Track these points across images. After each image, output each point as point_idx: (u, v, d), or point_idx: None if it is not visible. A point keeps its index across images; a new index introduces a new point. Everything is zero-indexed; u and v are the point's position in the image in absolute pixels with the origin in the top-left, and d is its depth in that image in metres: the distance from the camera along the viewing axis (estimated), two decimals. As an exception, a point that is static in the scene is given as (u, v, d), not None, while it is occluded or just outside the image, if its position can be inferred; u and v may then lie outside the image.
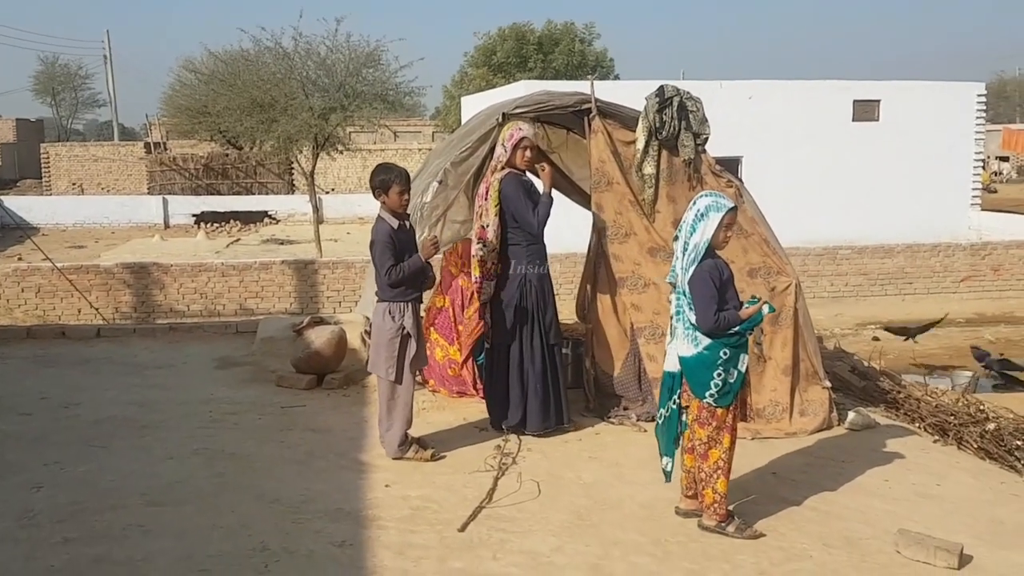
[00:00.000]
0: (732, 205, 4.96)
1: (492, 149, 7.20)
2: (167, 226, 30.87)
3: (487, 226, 6.45)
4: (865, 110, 22.68)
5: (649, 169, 7.09)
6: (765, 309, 5.03)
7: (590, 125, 7.17)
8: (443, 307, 7.62)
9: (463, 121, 28.56)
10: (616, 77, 38.77)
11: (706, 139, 7.19)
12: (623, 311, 7.28)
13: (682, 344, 5.08)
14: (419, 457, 6.13)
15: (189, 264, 16.49)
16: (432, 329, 7.65)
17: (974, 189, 23.30)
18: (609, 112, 7.19)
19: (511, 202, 6.38)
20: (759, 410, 7.14)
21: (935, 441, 7.35)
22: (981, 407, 8.16)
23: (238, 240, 26.88)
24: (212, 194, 33.07)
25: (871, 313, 17.11)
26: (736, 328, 4.95)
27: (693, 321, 4.95)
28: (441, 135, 40.37)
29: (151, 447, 6.37)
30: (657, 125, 7.01)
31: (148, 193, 34.16)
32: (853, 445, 6.86)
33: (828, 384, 7.38)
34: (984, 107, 23.57)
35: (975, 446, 7.37)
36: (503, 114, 7.02)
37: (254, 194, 33.46)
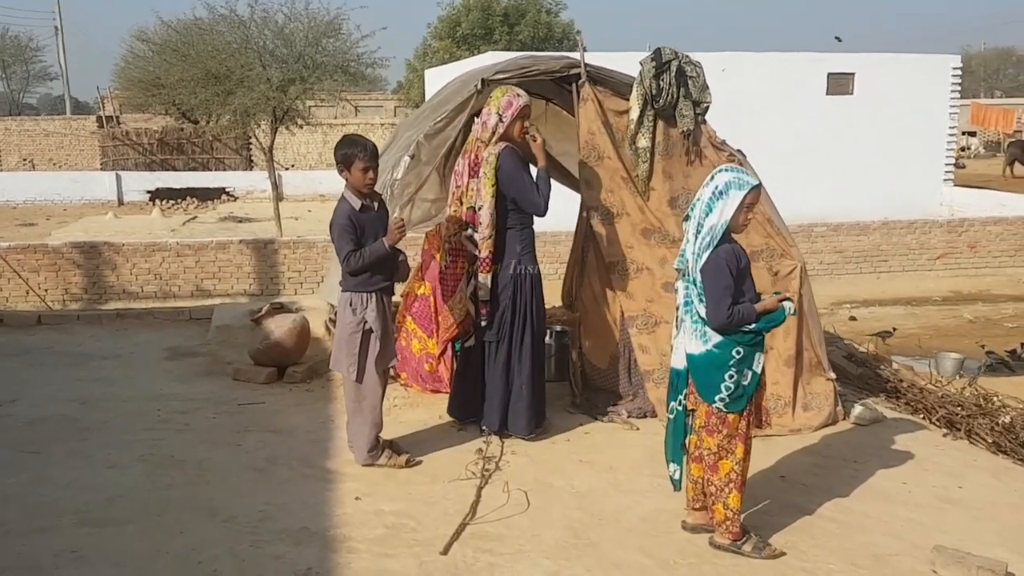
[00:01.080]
0: (756, 183, 4.33)
1: (472, 119, 6.55)
2: (121, 203, 29.78)
3: (480, 208, 5.76)
4: (839, 83, 22.21)
5: (643, 142, 6.46)
6: (787, 307, 4.42)
7: (578, 93, 6.52)
8: (423, 294, 6.96)
9: (427, 95, 27.89)
10: (584, 50, 37.97)
11: (707, 108, 6.57)
12: (613, 298, 6.67)
13: (690, 340, 4.47)
14: (392, 463, 5.51)
15: (142, 243, 15.65)
16: (409, 318, 7.00)
17: (947, 165, 22.96)
18: (600, 78, 6.54)
19: (512, 181, 5.69)
20: (759, 405, 6.58)
21: (945, 435, 6.83)
22: (990, 397, 7.65)
23: (195, 218, 25.94)
24: (167, 170, 31.98)
25: (846, 292, 16.65)
26: (752, 326, 4.34)
27: (703, 314, 4.34)
28: (404, 109, 39.48)
29: (92, 453, 5.68)
30: (653, 92, 6.38)
31: (101, 169, 32.99)
32: (862, 442, 6.31)
33: (832, 375, 6.84)
34: (959, 81, 23.19)
35: (988, 440, 6.86)
36: (482, 80, 6.35)
37: (211, 170, 32.41)
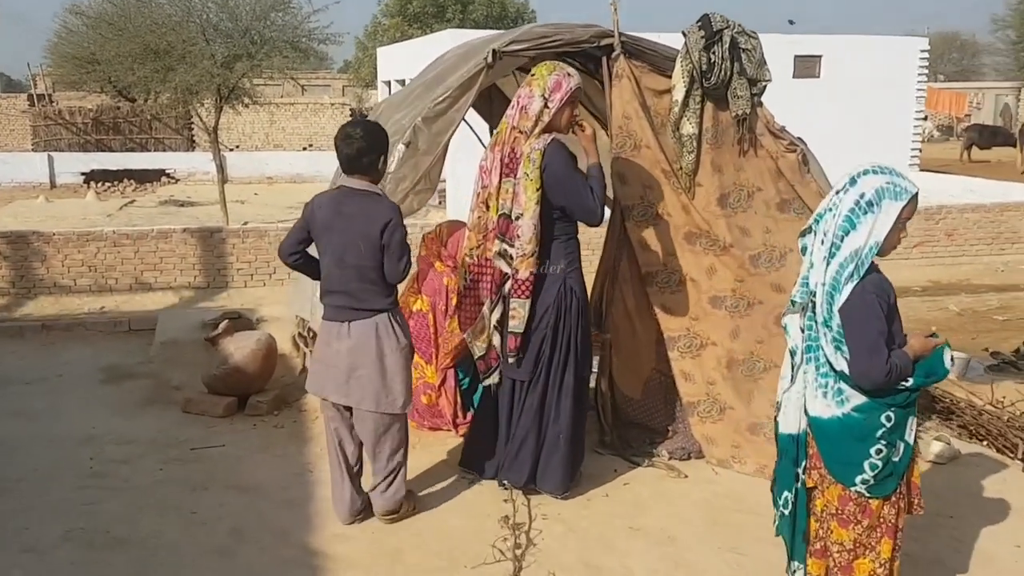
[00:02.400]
0: (915, 189, 3.17)
1: (480, 100, 5.39)
2: (53, 186, 27.92)
3: (518, 217, 4.54)
4: (806, 66, 21.38)
5: (689, 128, 5.30)
6: (947, 358, 3.29)
7: (610, 69, 5.34)
8: (419, 311, 5.75)
9: (380, 75, 26.51)
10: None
11: (764, 88, 5.44)
12: (650, 316, 5.52)
13: (815, 398, 3.33)
14: (410, 510, 4.65)
15: (75, 232, 14.13)
16: None
17: (914, 149, 22.31)
18: (637, 51, 5.35)
19: (563, 184, 4.49)
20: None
21: (1025, 471, 5.82)
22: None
23: (132, 201, 24.26)
24: (103, 151, 30.06)
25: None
26: (909, 382, 3.21)
27: (843, 367, 3.19)
28: (354, 89, 37.95)
29: (1, 526, 4.40)
30: (703, 68, 5.22)
31: (32, 150, 31.05)
32: (949, 488, 5.25)
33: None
34: (927, 64, 22.47)
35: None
36: (493, 52, 5.14)
37: (149, 151, 30.54)
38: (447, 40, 19.09)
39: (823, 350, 3.23)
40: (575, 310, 4.63)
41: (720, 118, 5.40)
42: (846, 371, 3.16)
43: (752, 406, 5.49)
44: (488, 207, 4.67)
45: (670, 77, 5.34)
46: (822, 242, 3.21)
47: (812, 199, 5.48)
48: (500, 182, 4.58)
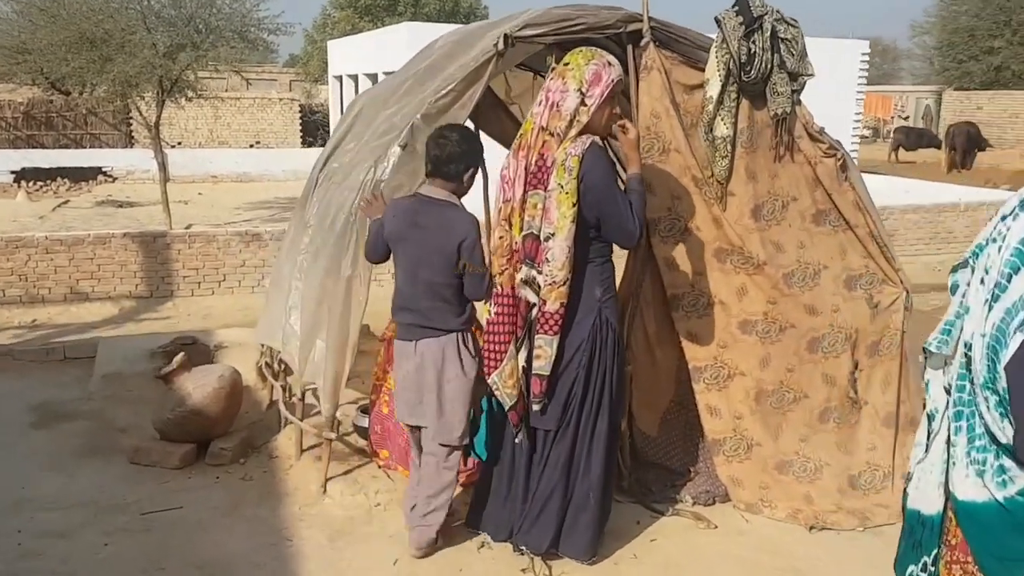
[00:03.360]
0: None
1: (485, 92, 4.65)
2: (-20, 185, 26.60)
3: (549, 238, 3.76)
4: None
5: (724, 129, 4.59)
6: None
7: (637, 59, 4.60)
8: None
9: (331, 69, 25.47)
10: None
11: (804, 84, 4.74)
12: (673, 344, 4.82)
13: (965, 476, 2.59)
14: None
15: (3, 238, 13.11)
16: (391, 374, 5.00)
17: (854, 151, 22.02)
18: (668, 39, 4.62)
19: (604, 197, 3.73)
20: (851, 477, 4.86)
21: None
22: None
23: (67, 202, 22.99)
24: (34, 147, 28.68)
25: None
26: None
27: (1008, 439, 2.47)
28: (302, 84, 36.80)
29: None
30: (742, 60, 4.51)
31: (-41, 146, 29.57)
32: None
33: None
34: (867, 66, 22.18)
35: None
36: (505, 36, 4.37)
37: (85, 147, 29.24)
38: (404, 33, 18.24)
39: (981, 417, 2.52)
40: (611, 346, 3.88)
41: (756, 118, 4.71)
42: (1011, 444, 2.44)
43: (780, 442, 4.85)
44: (511, 225, 3.89)
45: (702, 70, 4.64)
46: (982, 281, 2.49)
47: (849, 210, 4.85)
48: (526, 195, 3.81)
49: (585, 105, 3.75)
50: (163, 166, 17.76)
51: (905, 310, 4.91)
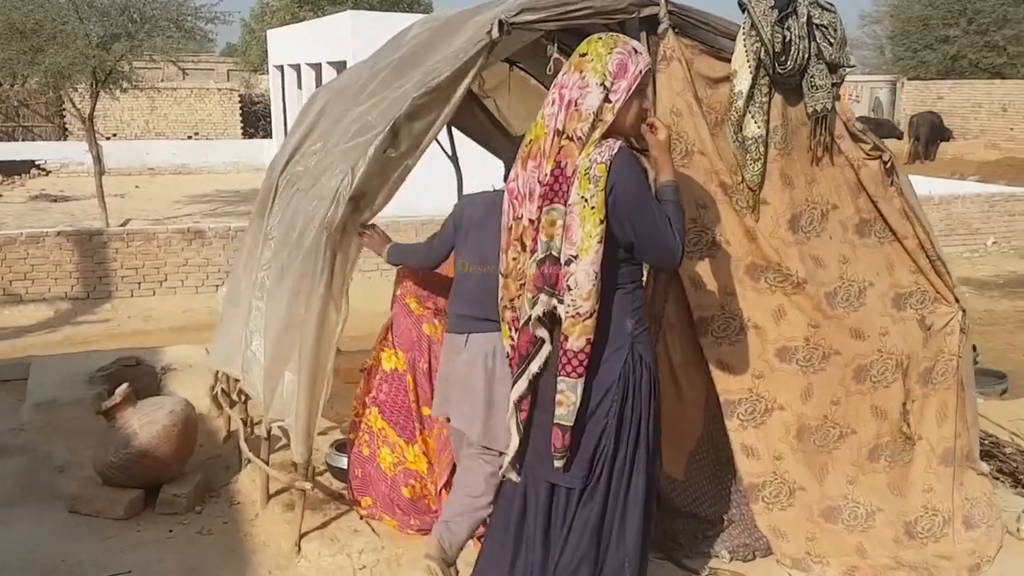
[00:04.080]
0: None
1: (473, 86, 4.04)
2: (-95, 180, 25.26)
3: (574, 260, 3.11)
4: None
5: (755, 129, 4.02)
6: None
7: (653, 48, 3.99)
8: (394, 370, 4.30)
9: (272, 59, 24.52)
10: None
11: (844, 76, 4.18)
12: (698, 373, 4.24)
13: None
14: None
15: (-70, 238, 12.26)
16: (373, 410, 4.35)
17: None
18: (687, 25, 4.03)
19: (637, 210, 3.09)
20: (907, 524, 4.34)
21: None
22: None
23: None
24: (-37, 141, 27.47)
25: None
26: None
27: None
28: (240, 73, 35.67)
29: None
30: (776, 48, 3.94)
31: None
32: None
33: (985, 468, 4.67)
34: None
35: None
36: (500, 23, 3.75)
37: (17, 140, 28.02)
38: (347, 22, 17.49)
39: None
40: (646, 388, 3.27)
41: (790, 115, 4.15)
42: None
43: (826, 485, 4.30)
44: (524, 247, 3.27)
45: (727, 61, 4.06)
46: None
47: (896, 219, 4.32)
48: (542, 211, 3.18)
49: (609, 102, 3.12)
50: (98, 159, 16.99)
51: (961, 332, 4.39)
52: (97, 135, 17.53)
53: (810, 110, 4.09)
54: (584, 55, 3.18)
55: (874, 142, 4.24)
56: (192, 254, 12.82)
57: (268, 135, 26.93)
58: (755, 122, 4.01)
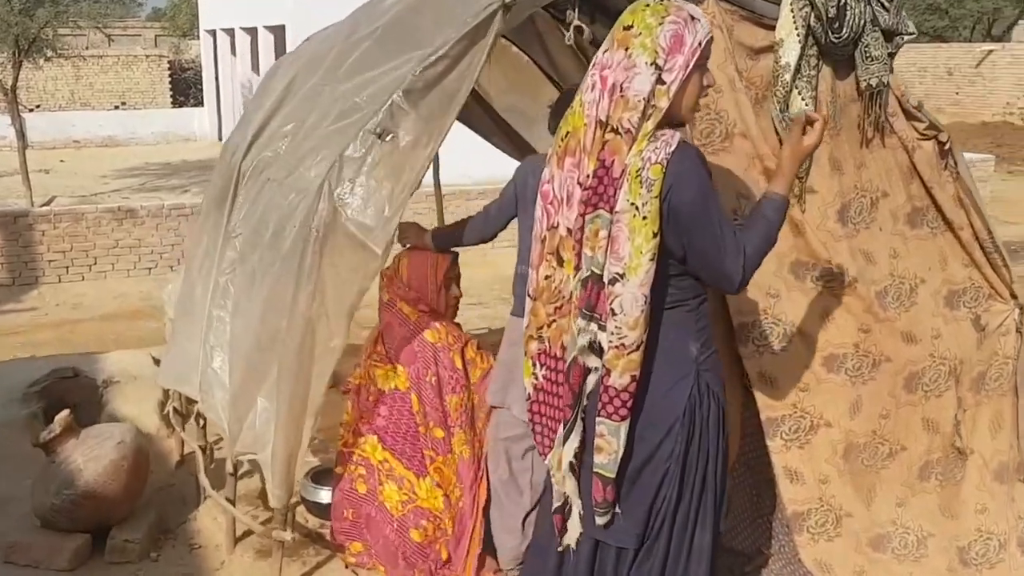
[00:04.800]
0: None
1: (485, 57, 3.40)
2: None
3: (620, 279, 2.52)
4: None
5: (802, 106, 3.47)
6: None
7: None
8: (396, 389, 3.69)
9: (201, 23, 23.43)
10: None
11: (900, 47, 3.65)
12: (733, 386, 3.69)
13: None
14: None
15: None
16: (372, 437, 3.72)
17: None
18: (729, -11, 3.45)
19: (695, 220, 2.52)
20: (961, 550, 3.88)
21: None
22: None
23: (-87, 174, 20.74)
24: None
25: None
26: None
27: None
28: (168, 39, 34.27)
29: None
30: (830, 13, 3.39)
31: None
32: None
33: (1040, 481, 4.23)
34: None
35: None
36: (511, -12, 3.14)
37: (-69, 113, 26.60)
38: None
39: None
40: (714, 426, 2.71)
41: (839, 91, 3.62)
42: None
43: (874, 509, 3.81)
44: (561, 261, 2.68)
45: (770, 28, 3.49)
46: None
47: (951, 207, 3.82)
48: (584, 218, 2.59)
49: (663, 84, 2.52)
50: (21, 133, 16.03)
51: (1017, 332, 3.91)
52: (20, 107, 16.55)
53: (863, 84, 3.56)
54: (629, 28, 2.58)
55: (930, 120, 3.73)
56: (123, 235, 12.03)
57: (199, 103, 25.84)
58: (802, 99, 3.46)
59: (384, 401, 3.66)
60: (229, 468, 3.75)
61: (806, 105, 3.47)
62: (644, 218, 2.48)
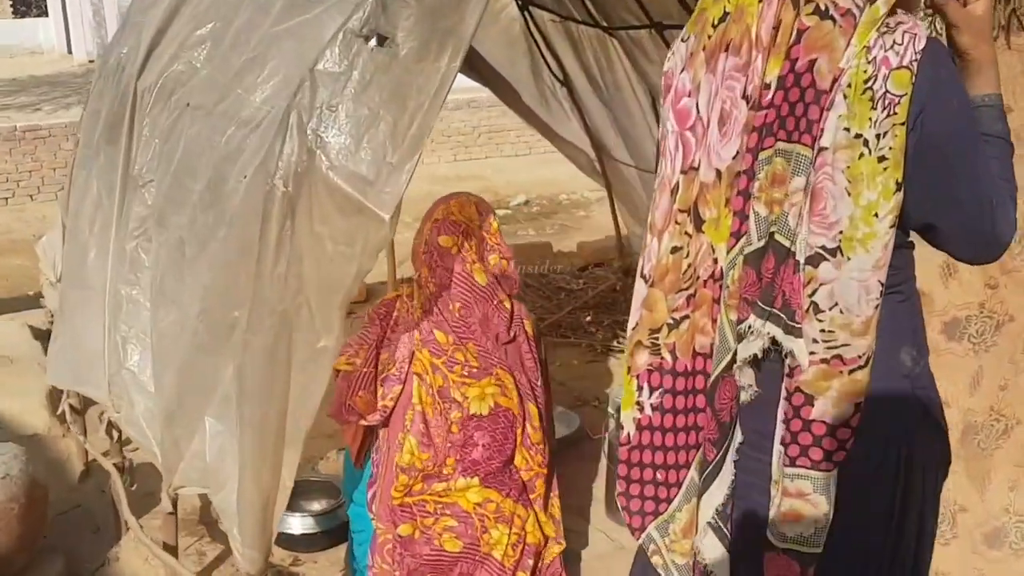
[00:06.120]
0: None
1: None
2: None
3: (836, 256, 1.61)
4: None
5: None
6: None
7: None
8: (503, 409, 2.62)
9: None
10: None
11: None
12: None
13: None
14: None
15: None
16: (470, 480, 2.67)
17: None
18: None
19: (959, 157, 1.60)
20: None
21: None
22: None
23: None
24: None
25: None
26: None
27: None
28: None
29: None
30: None
31: None
32: None
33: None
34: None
35: None
36: None
37: None
38: None
39: None
40: (937, 457, 1.85)
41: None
42: None
43: (987, 497, 3.12)
44: (702, 221, 1.75)
45: None
46: None
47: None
48: (755, 157, 1.66)
49: None
50: None
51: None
52: None
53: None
54: None
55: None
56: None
57: (44, 13, 23.33)
58: None
59: (483, 427, 2.64)
60: (166, 507, 2.73)
61: None
62: (881, 159, 1.57)
